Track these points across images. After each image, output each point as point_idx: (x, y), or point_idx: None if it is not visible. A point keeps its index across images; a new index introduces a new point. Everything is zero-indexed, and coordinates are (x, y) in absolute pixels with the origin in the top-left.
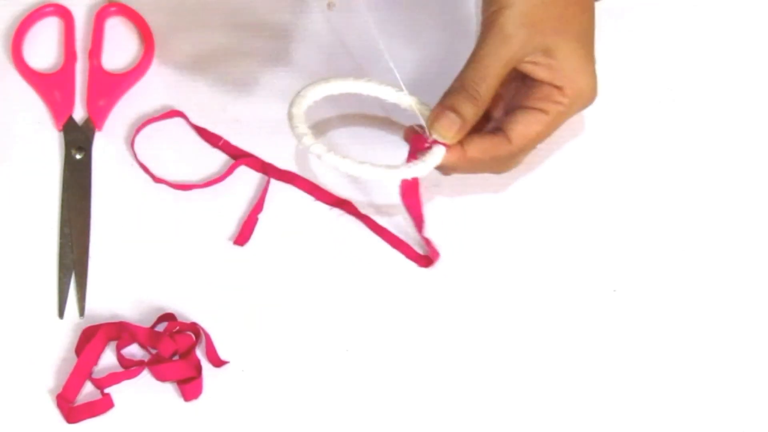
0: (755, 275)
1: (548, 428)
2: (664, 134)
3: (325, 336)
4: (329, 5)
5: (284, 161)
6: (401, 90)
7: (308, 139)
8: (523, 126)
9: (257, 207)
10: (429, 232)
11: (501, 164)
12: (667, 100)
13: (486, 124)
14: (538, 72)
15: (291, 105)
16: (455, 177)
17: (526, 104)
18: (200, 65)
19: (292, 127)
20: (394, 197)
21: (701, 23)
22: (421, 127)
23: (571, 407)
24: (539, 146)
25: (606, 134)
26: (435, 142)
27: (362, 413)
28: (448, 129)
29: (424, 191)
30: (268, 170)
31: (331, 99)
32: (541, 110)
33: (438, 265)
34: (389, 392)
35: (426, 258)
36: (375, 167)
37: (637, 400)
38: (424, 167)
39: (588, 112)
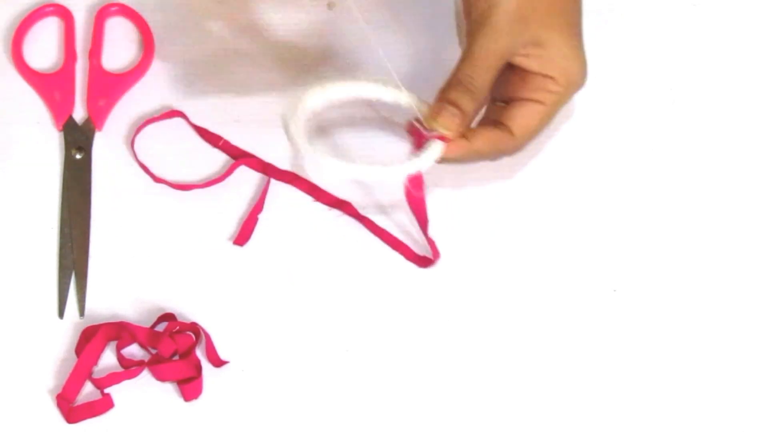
0: (755, 275)
1: (548, 428)
2: (664, 134)
3: (325, 336)
4: (329, 5)
5: (284, 161)
6: (399, 88)
7: (306, 147)
8: (523, 119)
9: (257, 207)
10: (431, 231)
11: (503, 155)
12: (667, 100)
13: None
14: (530, 63)
15: (288, 119)
16: (454, 174)
17: (522, 96)
18: (200, 65)
19: (289, 138)
20: (393, 196)
21: (701, 23)
22: (419, 122)
23: (570, 407)
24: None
25: (606, 134)
26: (433, 136)
27: (362, 413)
28: (450, 122)
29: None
30: (268, 170)
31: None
32: (538, 101)
33: (437, 265)
34: (389, 392)
35: (425, 258)
36: (376, 167)
37: (637, 399)
38: (424, 162)
39: (588, 112)
